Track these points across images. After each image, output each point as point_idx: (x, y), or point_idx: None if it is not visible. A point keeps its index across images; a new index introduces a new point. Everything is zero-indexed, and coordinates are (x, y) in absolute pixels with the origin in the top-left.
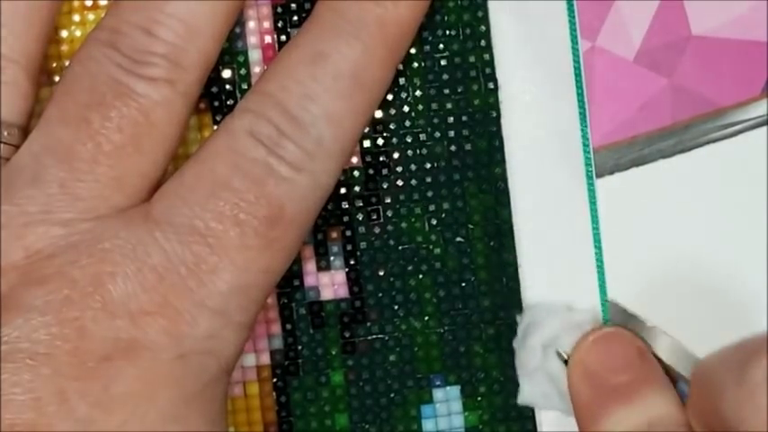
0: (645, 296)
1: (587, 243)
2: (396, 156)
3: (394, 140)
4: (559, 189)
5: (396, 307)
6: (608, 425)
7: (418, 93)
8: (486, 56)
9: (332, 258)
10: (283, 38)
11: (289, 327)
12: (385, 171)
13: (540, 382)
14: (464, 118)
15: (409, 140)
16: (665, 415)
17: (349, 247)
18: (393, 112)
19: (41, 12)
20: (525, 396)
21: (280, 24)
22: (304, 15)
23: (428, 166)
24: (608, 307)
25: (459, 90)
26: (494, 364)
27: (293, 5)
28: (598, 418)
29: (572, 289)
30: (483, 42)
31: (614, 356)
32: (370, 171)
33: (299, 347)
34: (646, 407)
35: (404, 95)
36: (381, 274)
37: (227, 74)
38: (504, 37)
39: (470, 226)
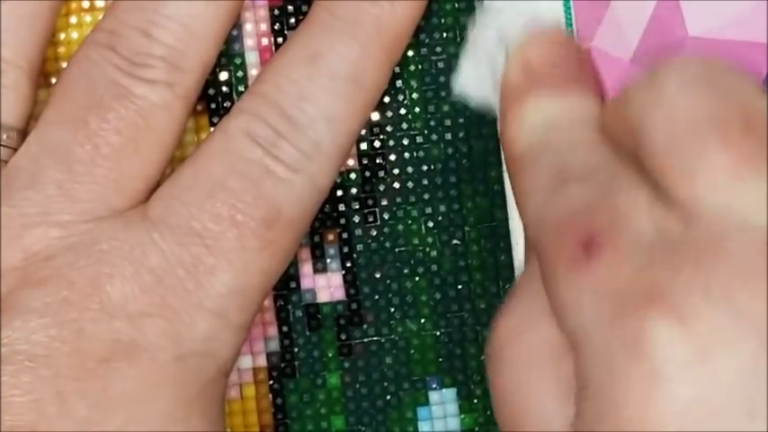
0: None
1: None
2: (392, 158)
3: (391, 143)
4: None
5: (392, 309)
6: (530, 109)
7: (415, 95)
8: None
9: (328, 260)
10: (280, 40)
11: (285, 329)
12: (382, 173)
13: (481, 64)
14: (461, 120)
15: (406, 143)
16: (586, 111)
17: (345, 250)
18: (390, 114)
19: (43, 15)
20: (463, 77)
21: (277, 27)
22: (301, 17)
23: (425, 168)
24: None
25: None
26: None
27: (290, 7)
28: (522, 100)
29: None
30: None
31: (555, 54)
32: (367, 173)
33: (296, 350)
34: (571, 100)
35: (401, 98)
36: (378, 276)
37: (223, 76)
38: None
39: (466, 228)
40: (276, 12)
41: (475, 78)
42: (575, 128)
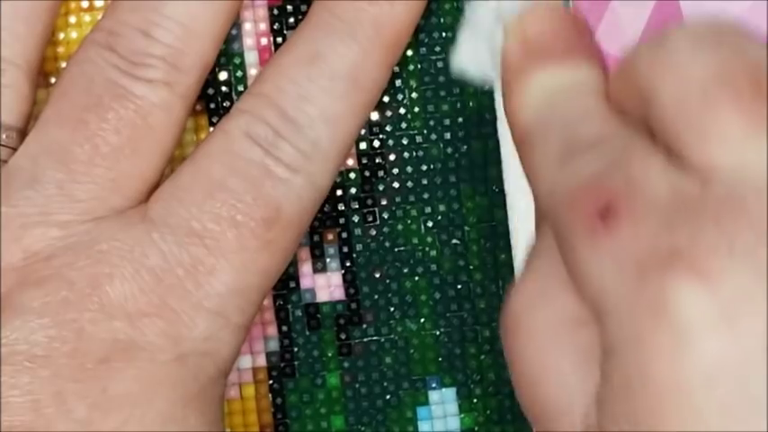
0: None
1: None
2: (392, 158)
3: (390, 142)
4: None
5: (391, 309)
6: (533, 82)
7: (414, 95)
8: None
9: (328, 260)
10: (280, 40)
11: (285, 329)
12: (381, 173)
13: (479, 41)
14: (460, 120)
15: (405, 142)
16: (591, 80)
17: (345, 249)
18: (389, 114)
19: (42, 14)
20: (461, 54)
21: (276, 26)
22: (300, 17)
23: (424, 168)
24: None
25: (456, 92)
26: (489, 366)
27: (289, 7)
28: (524, 74)
29: None
30: None
31: (554, 26)
32: (367, 173)
33: (295, 349)
34: (573, 70)
35: (400, 97)
36: (377, 276)
37: (223, 76)
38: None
39: (466, 228)
40: (275, 11)
41: (473, 55)
42: (580, 97)
